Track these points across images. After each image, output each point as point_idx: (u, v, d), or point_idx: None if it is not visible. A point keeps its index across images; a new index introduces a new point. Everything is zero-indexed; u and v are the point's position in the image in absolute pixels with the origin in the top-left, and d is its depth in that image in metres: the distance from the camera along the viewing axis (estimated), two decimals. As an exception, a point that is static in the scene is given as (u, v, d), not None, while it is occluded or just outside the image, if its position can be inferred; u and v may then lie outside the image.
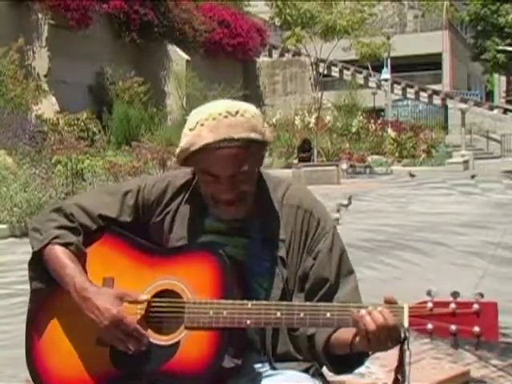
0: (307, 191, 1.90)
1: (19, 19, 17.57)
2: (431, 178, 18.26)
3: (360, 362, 1.71)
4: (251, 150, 1.69)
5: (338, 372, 1.76)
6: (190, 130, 1.69)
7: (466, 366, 3.47)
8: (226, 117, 1.67)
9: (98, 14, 19.83)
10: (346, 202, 10.89)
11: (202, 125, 1.67)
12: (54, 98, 17.46)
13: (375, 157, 23.17)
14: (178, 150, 1.72)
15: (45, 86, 17.68)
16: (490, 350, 4.08)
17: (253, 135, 1.67)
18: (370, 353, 1.68)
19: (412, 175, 18.60)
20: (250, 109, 1.72)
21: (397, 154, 24.09)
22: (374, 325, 1.54)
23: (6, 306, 5.60)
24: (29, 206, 9.71)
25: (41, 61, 18.24)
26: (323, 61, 21.31)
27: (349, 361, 1.70)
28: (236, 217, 1.75)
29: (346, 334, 1.65)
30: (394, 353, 1.61)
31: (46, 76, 18.12)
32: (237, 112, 1.68)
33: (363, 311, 1.56)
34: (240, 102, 1.75)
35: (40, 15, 18.15)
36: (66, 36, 18.55)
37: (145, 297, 1.71)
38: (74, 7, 18.40)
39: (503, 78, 43.79)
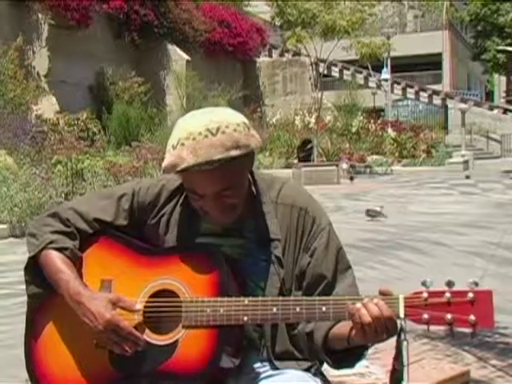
0: (301, 189, 1.90)
1: (19, 19, 17.54)
2: (431, 178, 18.26)
3: (360, 356, 1.71)
4: (234, 166, 1.65)
5: (338, 367, 1.75)
6: (173, 147, 1.65)
7: (465, 367, 3.46)
8: (206, 136, 1.61)
9: (98, 13, 19.83)
10: (378, 209, 10.77)
11: (183, 144, 1.62)
12: (54, 98, 17.44)
13: (375, 157, 23.18)
14: (162, 166, 1.69)
15: (45, 86, 17.68)
16: (490, 350, 4.08)
17: (233, 153, 1.61)
18: (370, 345, 1.68)
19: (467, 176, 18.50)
20: (232, 121, 1.65)
21: (397, 154, 24.08)
22: (369, 317, 1.54)
23: (6, 306, 5.60)
24: (29, 206, 9.71)
25: (41, 61, 18.21)
26: (323, 61, 21.31)
27: (349, 355, 1.70)
28: (226, 224, 1.75)
29: (343, 328, 1.65)
30: (393, 352, 1.61)
31: (46, 76, 18.10)
32: (217, 129, 1.62)
33: (358, 304, 1.56)
34: (222, 114, 1.67)
35: (40, 15, 18.12)
36: (66, 36, 18.53)
37: (139, 306, 1.70)
38: (74, 7, 18.38)
39: (503, 78, 43.73)
